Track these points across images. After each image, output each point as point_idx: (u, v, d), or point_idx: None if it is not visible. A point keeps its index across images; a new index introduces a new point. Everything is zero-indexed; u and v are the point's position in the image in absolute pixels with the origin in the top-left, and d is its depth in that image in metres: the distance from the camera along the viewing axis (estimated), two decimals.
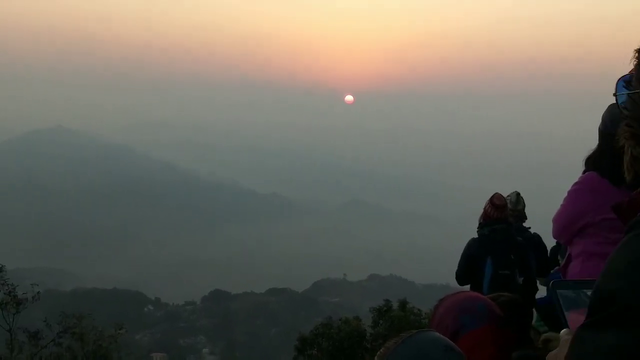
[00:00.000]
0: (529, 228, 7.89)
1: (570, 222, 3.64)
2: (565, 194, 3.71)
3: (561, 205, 3.74)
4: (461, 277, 7.06)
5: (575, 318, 1.36)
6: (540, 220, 7.24)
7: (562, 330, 1.41)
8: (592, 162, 3.62)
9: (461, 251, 7.07)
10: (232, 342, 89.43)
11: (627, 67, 1.31)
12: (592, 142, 3.68)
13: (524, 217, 7.91)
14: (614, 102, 1.27)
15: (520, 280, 6.76)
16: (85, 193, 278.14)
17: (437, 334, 2.00)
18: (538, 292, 7.06)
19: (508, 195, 7.63)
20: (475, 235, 7.00)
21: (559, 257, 5.64)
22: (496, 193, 7.05)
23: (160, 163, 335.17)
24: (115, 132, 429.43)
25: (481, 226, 6.97)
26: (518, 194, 7.90)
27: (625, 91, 1.21)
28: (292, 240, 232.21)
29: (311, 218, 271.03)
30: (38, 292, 13.00)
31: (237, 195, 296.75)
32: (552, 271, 6.52)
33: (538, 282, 7.14)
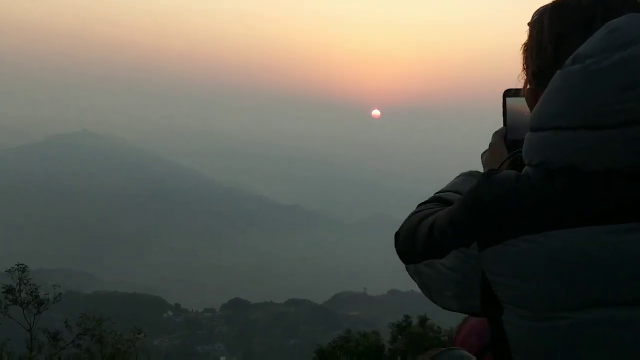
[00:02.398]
0: None
1: None
2: None
3: None
4: None
5: (513, 123, 1.64)
6: None
7: (493, 132, 1.70)
8: None
9: None
10: (249, 352, 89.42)
11: None
12: None
13: None
14: None
15: None
16: (108, 197, 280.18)
17: (465, 352, 1.99)
18: None
19: None
20: None
21: None
22: None
23: (184, 170, 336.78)
24: (140, 138, 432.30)
25: None
26: None
27: None
28: (313, 252, 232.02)
29: (333, 231, 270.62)
30: (60, 294, 13.03)
31: (259, 204, 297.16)
32: None
33: None
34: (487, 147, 1.59)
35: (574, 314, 1.07)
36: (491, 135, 1.71)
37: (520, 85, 1.44)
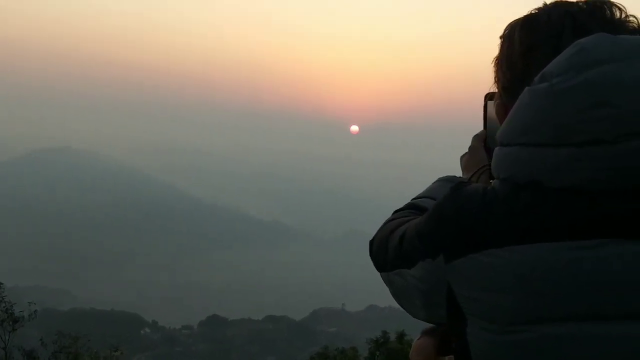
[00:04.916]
0: None
1: None
2: None
3: None
4: None
5: (492, 130, 1.58)
6: None
7: (474, 135, 1.69)
8: None
9: None
10: None
11: None
12: None
13: None
14: None
15: None
16: (86, 213, 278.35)
17: None
18: None
19: None
20: None
21: None
22: None
23: (164, 186, 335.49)
24: (120, 155, 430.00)
25: None
26: None
27: None
28: (291, 268, 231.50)
29: (311, 247, 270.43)
30: (35, 311, 12.98)
31: (238, 221, 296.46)
32: None
33: None
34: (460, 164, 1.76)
35: (536, 328, 1.09)
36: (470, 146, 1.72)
37: None
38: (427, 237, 1.23)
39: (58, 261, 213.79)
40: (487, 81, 1.45)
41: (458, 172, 1.56)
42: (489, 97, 1.59)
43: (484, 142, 1.66)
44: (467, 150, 1.71)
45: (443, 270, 1.19)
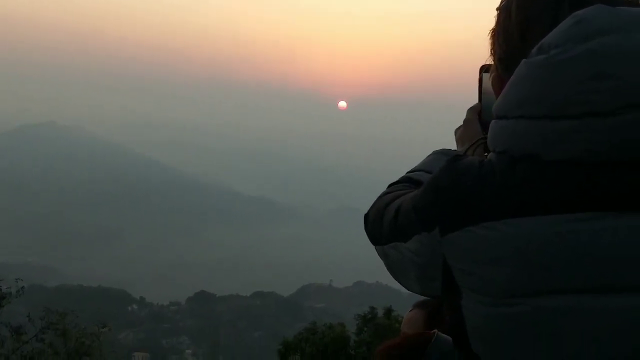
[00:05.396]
0: None
1: None
2: None
3: None
4: None
5: (487, 103, 1.59)
6: None
7: (468, 108, 1.67)
8: None
9: None
10: (215, 344, 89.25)
11: None
12: None
13: None
14: None
15: None
16: (74, 190, 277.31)
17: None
18: None
19: None
20: None
21: None
22: None
23: (152, 163, 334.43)
24: (108, 130, 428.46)
25: None
26: None
27: None
28: (279, 245, 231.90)
29: (299, 223, 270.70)
30: (22, 287, 12.90)
31: (227, 197, 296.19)
32: None
33: None
34: (454, 137, 1.73)
35: (532, 300, 1.09)
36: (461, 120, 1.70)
37: None
38: (423, 210, 1.22)
39: (45, 238, 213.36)
40: (480, 54, 1.44)
41: (449, 146, 1.66)
42: (484, 69, 1.57)
43: (478, 115, 1.64)
44: (457, 124, 1.69)
45: (439, 243, 1.18)
